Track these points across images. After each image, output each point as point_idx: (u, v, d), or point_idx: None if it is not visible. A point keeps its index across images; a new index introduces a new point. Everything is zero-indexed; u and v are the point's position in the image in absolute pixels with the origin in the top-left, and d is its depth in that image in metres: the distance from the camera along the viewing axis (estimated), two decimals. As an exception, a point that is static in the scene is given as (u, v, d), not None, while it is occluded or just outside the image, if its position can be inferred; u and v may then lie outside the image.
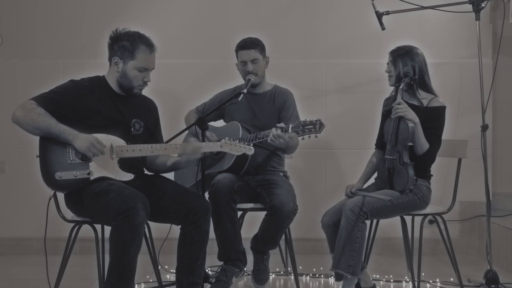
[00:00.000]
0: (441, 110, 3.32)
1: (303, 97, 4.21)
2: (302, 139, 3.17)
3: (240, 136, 3.45)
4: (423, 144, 3.25)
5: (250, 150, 3.07)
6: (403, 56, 3.34)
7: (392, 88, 3.45)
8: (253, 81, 3.54)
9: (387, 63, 3.42)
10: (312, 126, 3.15)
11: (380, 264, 4.15)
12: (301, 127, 3.16)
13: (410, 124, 3.21)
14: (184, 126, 3.63)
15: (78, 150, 2.90)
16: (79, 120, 2.96)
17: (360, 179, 3.49)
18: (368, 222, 3.29)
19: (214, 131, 3.60)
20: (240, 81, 3.71)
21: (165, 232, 3.27)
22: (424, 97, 3.35)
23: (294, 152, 3.71)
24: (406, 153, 3.26)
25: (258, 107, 3.64)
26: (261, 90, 3.68)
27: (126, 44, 3.00)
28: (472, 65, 4.12)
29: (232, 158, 3.41)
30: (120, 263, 2.75)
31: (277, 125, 3.24)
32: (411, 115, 3.22)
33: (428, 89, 3.37)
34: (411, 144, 3.25)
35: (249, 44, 3.58)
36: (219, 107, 3.55)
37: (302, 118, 3.32)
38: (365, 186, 3.48)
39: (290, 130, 3.18)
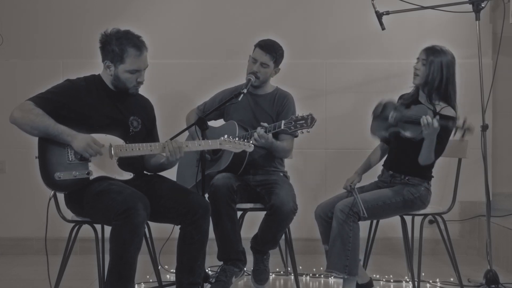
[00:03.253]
0: (450, 120, 3.13)
1: (303, 97, 4.21)
2: (296, 136, 3.19)
3: (237, 135, 3.44)
4: (429, 158, 3.15)
5: (249, 147, 3.07)
6: (439, 61, 3.20)
7: (413, 86, 3.34)
8: (253, 82, 3.53)
9: (417, 58, 3.29)
10: (303, 121, 3.19)
11: (380, 264, 4.15)
12: (293, 123, 3.21)
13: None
14: (184, 126, 3.63)
15: (76, 150, 2.90)
16: (78, 119, 2.96)
17: (358, 169, 3.48)
18: (368, 222, 3.28)
19: (212, 131, 3.59)
20: (240, 81, 3.71)
21: (165, 232, 3.26)
22: (438, 103, 3.25)
23: (287, 157, 3.68)
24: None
25: (258, 109, 3.64)
26: (262, 92, 3.68)
27: (114, 48, 2.97)
28: (472, 65, 4.11)
29: (229, 157, 3.40)
30: (120, 262, 2.75)
31: (262, 124, 3.26)
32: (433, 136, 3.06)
33: (448, 101, 3.23)
34: (413, 138, 3.11)
35: (267, 48, 3.54)
36: (219, 107, 3.54)
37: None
38: (366, 183, 3.48)
39: (282, 126, 3.22)
